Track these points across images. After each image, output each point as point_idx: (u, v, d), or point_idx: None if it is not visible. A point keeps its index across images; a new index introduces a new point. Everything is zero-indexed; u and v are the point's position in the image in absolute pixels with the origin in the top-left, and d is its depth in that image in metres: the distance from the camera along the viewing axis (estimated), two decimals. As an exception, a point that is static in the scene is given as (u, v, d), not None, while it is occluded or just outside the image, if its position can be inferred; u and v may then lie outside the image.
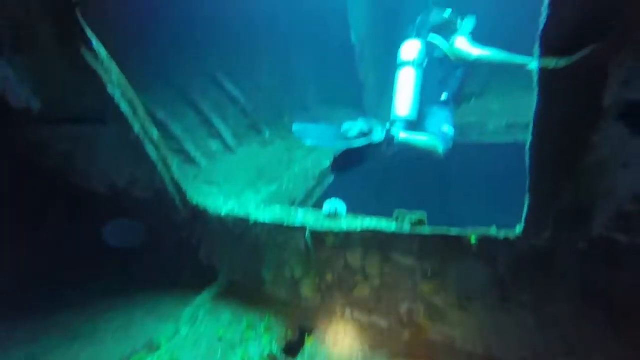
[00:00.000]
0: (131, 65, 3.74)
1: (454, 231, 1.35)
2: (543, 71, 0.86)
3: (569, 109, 0.85)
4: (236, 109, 4.34)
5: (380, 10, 4.51)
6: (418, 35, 3.26)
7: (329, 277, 1.99)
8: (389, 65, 3.60)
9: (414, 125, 3.23)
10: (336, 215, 1.81)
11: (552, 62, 0.82)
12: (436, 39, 3.17)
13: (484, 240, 1.26)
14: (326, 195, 4.04)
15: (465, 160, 3.67)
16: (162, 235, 2.46)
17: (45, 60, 1.63)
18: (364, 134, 2.86)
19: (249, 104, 4.35)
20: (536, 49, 0.86)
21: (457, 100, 3.31)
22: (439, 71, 3.23)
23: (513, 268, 1.20)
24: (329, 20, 4.68)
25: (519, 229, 1.15)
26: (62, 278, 2.75)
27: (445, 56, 3.19)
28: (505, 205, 4.11)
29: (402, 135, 2.94)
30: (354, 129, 2.87)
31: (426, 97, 3.19)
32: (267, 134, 4.57)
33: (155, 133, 1.89)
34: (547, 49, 0.83)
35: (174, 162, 3.83)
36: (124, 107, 1.69)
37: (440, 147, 2.93)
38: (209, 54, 4.25)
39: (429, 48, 3.22)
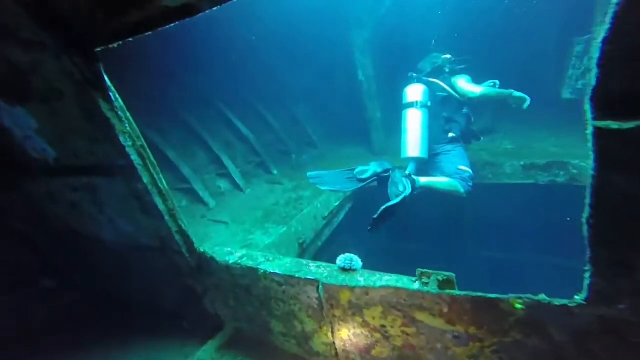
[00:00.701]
0: (145, 107, 3.83)
1: (492, 295, 1.20)
2: (600, 134, 0.76)
3: (635, 179, 0.74)
4: (245, 148, 4.32)
5: (383, 53, 4.61)
6: (419, 80, 3.30)
7: (344, 333, 1.80)
8: (394, 105, 3.60)
9: (425, 163, 3.15)
10: (351, 270, 1.66)
11: (614, 125, 0.71)
12: (438, 81, 3.22)
13: (534, 307, 1.10)
14: (335, 235, 3.90)
15: (483, 200, 3.53)
16: (165, 282, 2.31)
17: (63, 110, 1.59)
18: (376, 175, 2.82)
19: (258, 142, 4.34)
20: (588, 109, 0.76)
21: (467, 138, 3.26)
22: (444, 110, 3.23)
23: (574, 337, 1.03)
24: (336, 61, 4.79)
25: (580, 297, 1.00)
26: (59, 327, 2.58)
27: (449, 95, 3.19)
28: (524, 244, 3.93)
29: (423, 179, 2.89)
30: (368, 171, 2.83)
31: (434, 135, 3.15)
32: (275, 172, 4.52)
33: (164, 183, 1.81)
34: (604, 110, 0.72)
35: (181, 211, 3.81)
36: (135, 158, 1.63)
37: (461, 188, 2.85)
38: (219, 95, 4.32)
39: (432, 89, 3.22)
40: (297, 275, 1.71)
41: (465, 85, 3.08)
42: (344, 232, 4.08)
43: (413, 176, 2.85)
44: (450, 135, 3.15)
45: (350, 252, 1.75)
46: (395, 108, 3.53)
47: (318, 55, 4.79)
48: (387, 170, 2.87)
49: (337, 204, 3.59)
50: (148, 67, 3.56)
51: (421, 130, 3.10)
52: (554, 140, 3.60)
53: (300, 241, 3.00)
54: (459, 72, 3.25)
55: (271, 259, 1.91)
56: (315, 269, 1.75)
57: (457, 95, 3.14)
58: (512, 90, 2.95)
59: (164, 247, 2.03)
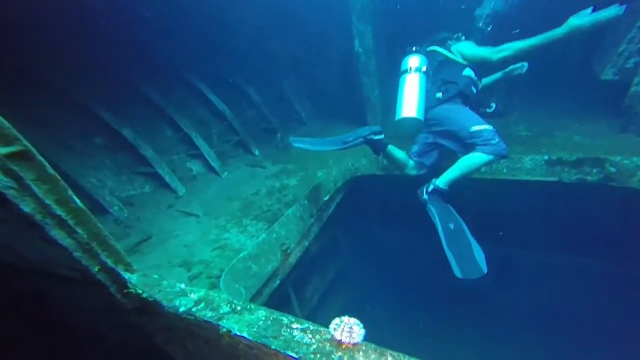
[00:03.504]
0: (96, 80, 2.93)
1: None
2: None
3: None
4: (222, 126, 3.54)
5: (385, 20, 3.78)
6: (418, 52, 2.82)
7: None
8: (395, 82, 2.93)
9: (421, 124, 2.71)
10: (350, 344, 1.09)
11: None
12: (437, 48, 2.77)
13: None
14: (325, 228, 3.33)
15: (486, 194, 3.01)
16: (103, 315, 1.69)
17: None
18: (362, 137, 2.55)
19: (237, 119, 3.56)
20: None
21: (471, 104, 2.67)
22: (441, 73, 2.73)
23: None
24: (330, 31, 3.93)
25: None
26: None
27: (447, 59, 2.73)
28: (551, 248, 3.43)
29: (442, 183, 2.45)
30: (354, 134, 2.58)
31: (430, 101, 2.68)
32: (257, 152, 3.81)
33: (75, 203, 1.12)
34: None
35: (144, 198, 3.09)
36: (0, 178, 0.92)
37: (487, 155, 2.27)
38: (190, 66, 3.43)
39: (430, 57, 2.78)
40: (273, 347, 1.13)
41: (469, 48, 2.60)
42: (335, 224, 3.53)
43: (432, 186, 2.46)
44: (438, 95, 2.63)
45: (339, 241, 1.19)
46: (396, 85, 2.89)
47: (309, 21, 3.89)
48: (376, 132, 2.57)
49: (326, 198, 2.98)
50: (97, 34, 2.66)
51: (417, 91, 2.66)
52: (578, 128, 3.02)
53: (284, 247, 2.41)
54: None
55: (239, 308, 1.31)
56: (299, 335, 1.17)
57: (457, 59, 2.68)
58: (559, 31, 2.21)
59: (88, 281, 1.39)
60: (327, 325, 1.14)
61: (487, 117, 2.90)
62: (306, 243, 2.88)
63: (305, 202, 2.71)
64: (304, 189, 3.03)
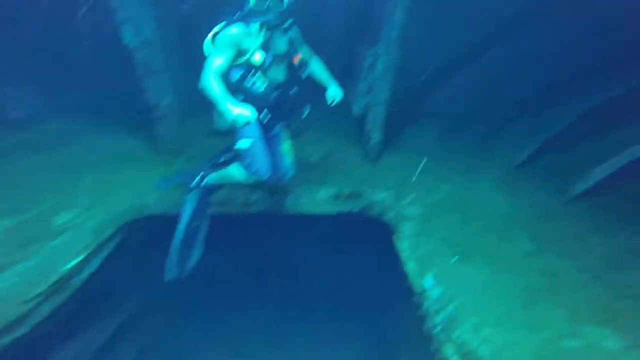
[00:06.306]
0: None
1: None
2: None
3: None
4: None
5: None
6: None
7: None
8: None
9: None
10: None
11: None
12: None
13: None
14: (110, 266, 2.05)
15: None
16: None
17: None
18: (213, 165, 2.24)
19: None
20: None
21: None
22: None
23: None
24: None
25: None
26: None
27: None
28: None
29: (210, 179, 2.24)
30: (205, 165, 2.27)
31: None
32: None
33: None
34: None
35: None
36: None
37: (242, 175, 2.04)
38: None
39: None
40: None
41: (208, 55, 1.81)
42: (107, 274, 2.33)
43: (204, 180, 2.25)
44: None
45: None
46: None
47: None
48: (224, 151, 2.25)
49: (71, 265, 1.83)
50: None
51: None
52: (354, 153, 3.15)
53: None
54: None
55: None
56: None
57: None
58: (230, 109, 1.72)
59: None
60: None
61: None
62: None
63: (10, 283, 1.52)
64: (16, 250, 1.74)
